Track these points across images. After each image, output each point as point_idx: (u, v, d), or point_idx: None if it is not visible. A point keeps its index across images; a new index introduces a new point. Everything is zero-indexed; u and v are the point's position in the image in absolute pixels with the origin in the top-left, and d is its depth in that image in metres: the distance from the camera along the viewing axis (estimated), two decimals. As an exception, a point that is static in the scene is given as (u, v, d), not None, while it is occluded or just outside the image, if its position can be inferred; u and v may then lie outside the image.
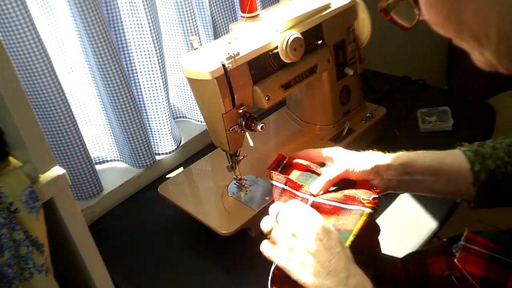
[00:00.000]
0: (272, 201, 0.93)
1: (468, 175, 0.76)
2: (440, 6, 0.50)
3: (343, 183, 0.82)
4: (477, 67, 0.55)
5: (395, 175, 0.80)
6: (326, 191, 0.81)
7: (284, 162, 0.90)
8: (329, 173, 0.81)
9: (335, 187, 0.82)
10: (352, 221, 0.76)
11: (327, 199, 0.80)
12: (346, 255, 0.67)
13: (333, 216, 0.79)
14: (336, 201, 0.80)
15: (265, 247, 0.73)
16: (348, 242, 0.73)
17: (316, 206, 0.80)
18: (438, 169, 0.79)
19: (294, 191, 0.84)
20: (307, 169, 0.87)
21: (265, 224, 0.75)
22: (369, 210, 0.76)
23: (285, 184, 0.85)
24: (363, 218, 0.75)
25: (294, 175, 0.87)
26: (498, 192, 0.76)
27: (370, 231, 0.76)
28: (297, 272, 0.68)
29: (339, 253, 0.67)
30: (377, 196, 0.78)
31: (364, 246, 0.74)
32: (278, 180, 0.86)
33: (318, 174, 0.84)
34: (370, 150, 0.85)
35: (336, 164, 0.83)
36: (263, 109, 1.01)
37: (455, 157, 0.79)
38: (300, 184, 0.83)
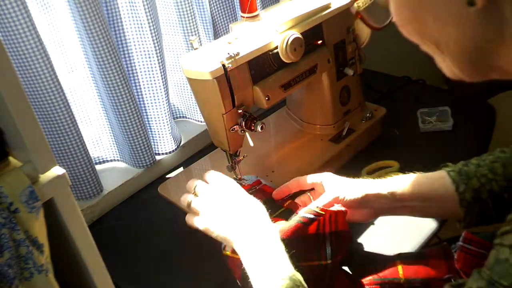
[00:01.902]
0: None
1: (455, 197, 0.76)
2: (404, 9, 0.51)
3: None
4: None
5: (386, 203, 0.80)
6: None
7: (257, 187, 0.93)
8: (319, 202, 0.80)
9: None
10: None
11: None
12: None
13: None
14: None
15: (188, 218, 0.83)
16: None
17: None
18: (428, 195, 0.79)
19: None
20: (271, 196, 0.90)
21: (184, 200, 0.84)
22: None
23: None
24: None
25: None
26: (486, 209, 0.75)
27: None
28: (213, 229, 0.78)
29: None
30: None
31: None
32: None
33: (283, 206, 0.88)
34: (361, 178, 0.84)
35: (327, 191, 0.82)
36: (263, 109, 1.01)
37: (442, 180, 0.78)
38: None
